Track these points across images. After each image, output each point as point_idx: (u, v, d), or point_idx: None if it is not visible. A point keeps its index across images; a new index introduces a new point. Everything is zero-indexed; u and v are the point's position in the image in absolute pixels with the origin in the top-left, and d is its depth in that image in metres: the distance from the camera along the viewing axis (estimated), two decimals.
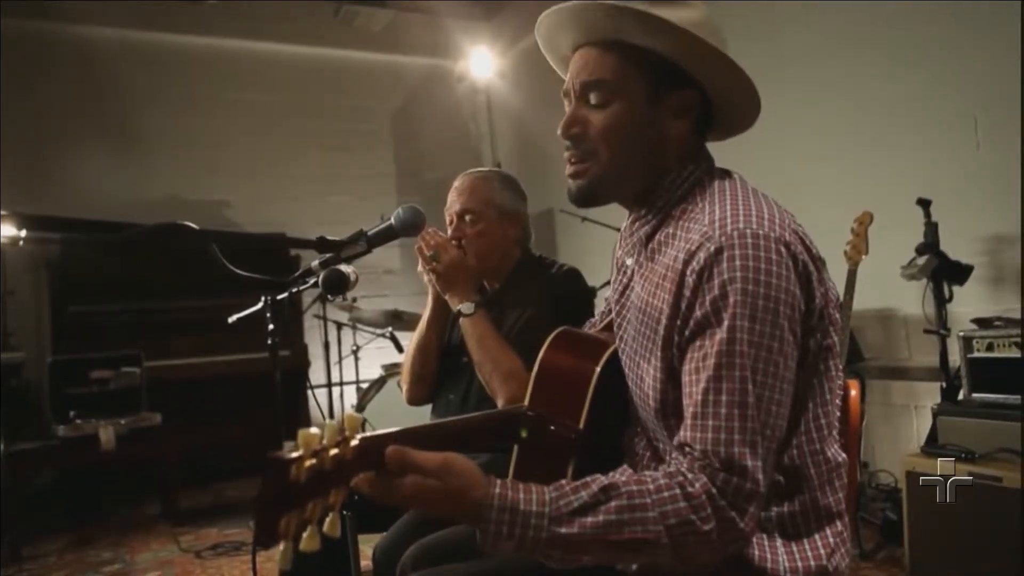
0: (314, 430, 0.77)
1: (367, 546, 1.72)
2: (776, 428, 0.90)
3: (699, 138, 1.08)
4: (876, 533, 2.74)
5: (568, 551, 0.86)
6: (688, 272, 0.93)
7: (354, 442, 0.80)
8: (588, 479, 0.89)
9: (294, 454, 0.75)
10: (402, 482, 0.84)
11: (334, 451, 0.78)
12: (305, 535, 0.76)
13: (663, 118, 1.03)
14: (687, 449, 0.90)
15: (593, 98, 1.04)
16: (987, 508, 2.09)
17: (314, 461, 0.76)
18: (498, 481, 0.87)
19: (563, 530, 0.84)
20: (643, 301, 1.03)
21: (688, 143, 1.06)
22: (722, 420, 0.87)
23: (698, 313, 0.92)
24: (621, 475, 0.91)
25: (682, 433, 0.91)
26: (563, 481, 0.89)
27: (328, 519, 0.78)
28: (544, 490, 0.87)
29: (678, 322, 0.95)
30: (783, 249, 0.91)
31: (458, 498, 0.84)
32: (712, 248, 0.91)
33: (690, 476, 0.87)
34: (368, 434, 0.84)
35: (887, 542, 2.65)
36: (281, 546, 0.74)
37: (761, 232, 0.91)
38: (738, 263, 0.89)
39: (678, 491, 0.86)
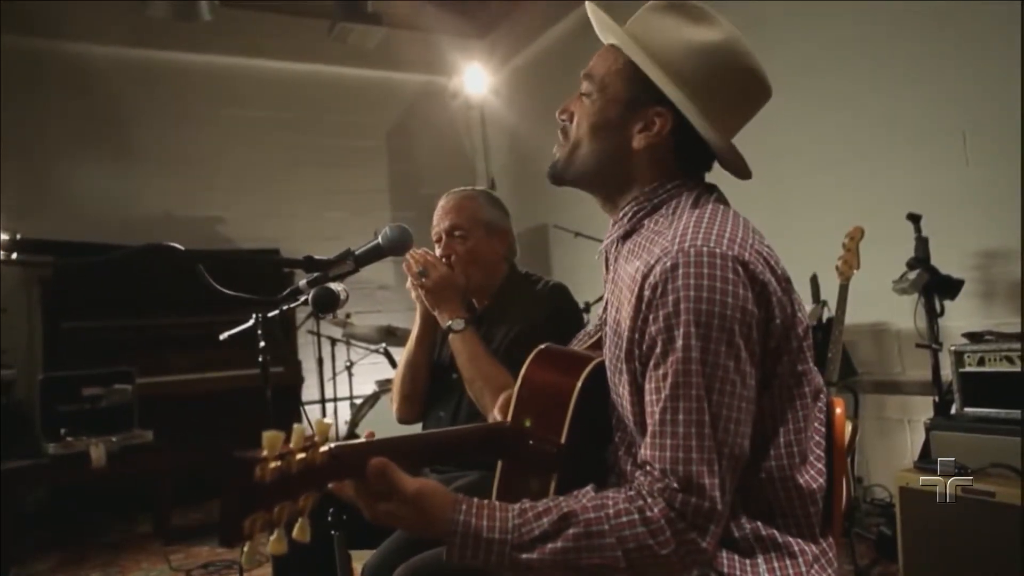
0: (279, 433, 0.78)
1: (359, 563, 1.71)
2: (736, 446, 0.90)
3: (679, 160, 1.07)
4: (871, 549, 2.73)
5: (531, 573, 0.90)
6: (645, 286, 0.94)
7: (324, 448, 0.81)
8: (551, 504, 0.91)
9: (258, 455, 0.75)
10: (378, 505, 0.89)
11: (301, 455, 0.78)
12: (272, 538, 0.77)
13: (632, 128, 1.05)
14: (647, 467, 0.91)
15: (583, 88, 1.10)
16: (981, 523, 2.08)
17: (279, 463, 0.76)
18: (463, 507, 0.90)
19: (524, 556, 0.88)
20: (615, 309, 1.05)
21: (662, 161, 1.06)
22: (680, 439, 0.88)
23: (652, 328, 0.93)
24: (583, 498, 0.92)
25: (643, 451, 0.92)
26: (527, 505, 0.92)
27: (297, 524, 0.79)
28: (508, 516, 0.90)
29: (636, 335, 0.96)
30: (740, 268, 0.91)
31: (426, 524, 0.90)
32: (668, 263, 0.92)
33: (649, 500, 0.88)
34: (342, 443, 0.84)
35: (882, 558, 2.65)
36: (246, 547, 0.74)
37: (718, 251, 0.92)
38: (692, 281, 0.90)
39: (636, 516, 0.88)
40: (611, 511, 0.88)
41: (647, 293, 0.93)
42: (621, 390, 1.02)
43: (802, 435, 0.98)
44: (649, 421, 0.92)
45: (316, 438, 0.81)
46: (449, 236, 1.80)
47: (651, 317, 0.93)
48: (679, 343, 0.89)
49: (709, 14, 1.04)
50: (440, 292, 1.71)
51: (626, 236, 1.09)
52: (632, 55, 1.03)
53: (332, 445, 0.82)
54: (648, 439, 0.91)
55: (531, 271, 1.92)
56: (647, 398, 0.94)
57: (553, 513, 0.89)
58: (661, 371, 0.91)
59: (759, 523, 0.97)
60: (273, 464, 0.76)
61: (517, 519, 0.89)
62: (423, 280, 1.70)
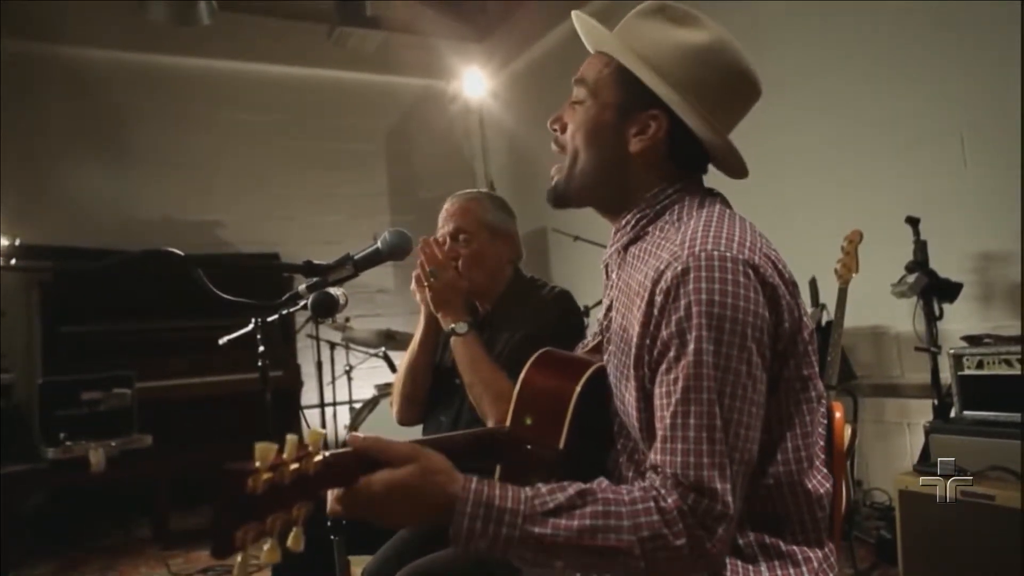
0: (271, 444, 0.78)
1: (357, 567, 1.70)
2: (746, 451, 0.90)
3: (676, 162, 1.07)
4: (871, 552, 2.73)
5: (541, 552, 0.85)
6: (656, 291, 0.94)
7: (318, 457, 0.80)
8: (565, 483, 0.89)
9: (250, 466, 0.75)
10: (372, 479, 0.83)
11: (295, 466, 0.78)
12: (266, 548, 0.76)
13: (627, 132, 1.05)
14: (658, 471, 0.90)
15: (575, 96, 1.10)
16: (981, 526, 2.08)
17: (271, 474, 0.76)
18: (474, 477, 0.87)
19: (537, 530, 0.84)
20: (621, 316, 1.04)
21: (659, 164, 1.06)
22: (691, 444, 0.88)
23: (664, 333, 0.92)
24: (598, 484, 0.91)
25: (652, 455, 0.92)
26: (540, 484, 0.89)
27: (291, 533, 0.79)
28: (521, 490, 0.87)
29: (647, 341, 0.95)
30: (750, 272, 0.91)
31: (433, 492, 0.85)
32: (679, 268, 0.92)
33: (663, 492, 0.87)
34: (336, 451, 0.84)
35: (881, 561, 2.64)
36: (239, 558, 0.74)
37: (729, 254, 0.91)
38: (704, 285, 0.90)
39: (652, 504, 0.86)
40: (626, 497, 0.87)
41: (658, 298, 0.93)
42: (627, 397, 1.01)
43: (809, 439, 0.98)
44: (659, 425, 0.92)
45: (310, 448, 0.81)
46: (454, 240, 1.80)
47: (663, 323, 0.92)
48: (691, 347, 0.89)
49: (693, 15, 1.04)
50: (445, 294, 1.71)
51: (630, 243, 1.08)
52: (622, 58, 1.04)
53: (326, 454, 0.82)
54: (658, 443, 0.91)
55: (536, 276, 1.91)
56: (657, 402, 0.93)
57: (569, 489, 0.87)
58: (672, 375, 0.91)
59: (763, 530, 0.96)
60: (265, 475, 0.75)
61: (530, 491, 0.87)
62: (431, 280, 1.70)
